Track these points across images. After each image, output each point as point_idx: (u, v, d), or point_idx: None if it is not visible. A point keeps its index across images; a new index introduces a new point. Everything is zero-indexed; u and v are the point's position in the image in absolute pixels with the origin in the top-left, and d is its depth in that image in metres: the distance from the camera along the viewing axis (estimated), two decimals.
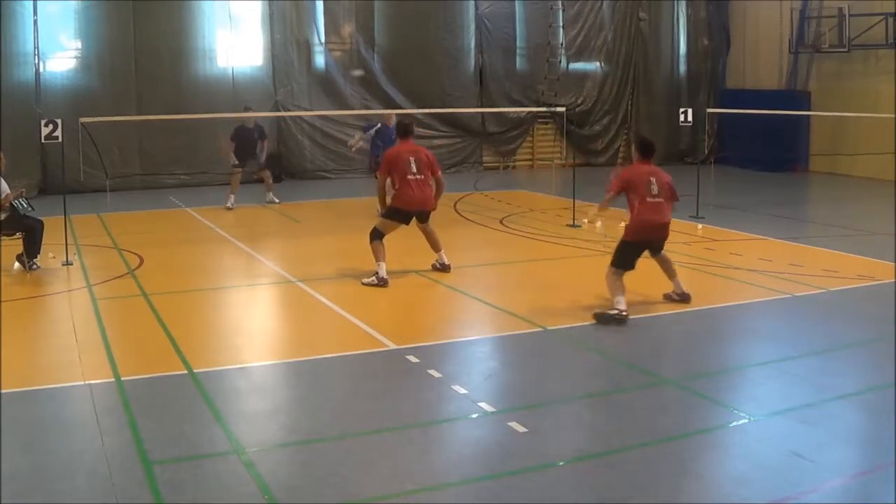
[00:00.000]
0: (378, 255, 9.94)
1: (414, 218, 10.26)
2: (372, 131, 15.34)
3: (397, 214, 10.14)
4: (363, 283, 9.86)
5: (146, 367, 7.10)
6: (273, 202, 16.24)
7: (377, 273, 9.88)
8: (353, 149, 16.57)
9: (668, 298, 9.16)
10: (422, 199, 10.12)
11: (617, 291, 8.44)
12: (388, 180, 10.14)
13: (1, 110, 16.63)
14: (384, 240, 10.06)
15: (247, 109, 16.44)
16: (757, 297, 9.43)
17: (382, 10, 20.83)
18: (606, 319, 8.25)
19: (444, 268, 10.48)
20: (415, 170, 10.02)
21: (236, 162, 15.64)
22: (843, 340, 7.96)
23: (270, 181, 16.43)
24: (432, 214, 10.47)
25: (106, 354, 7.42)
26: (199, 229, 13.92)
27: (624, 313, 8.29)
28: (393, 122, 15.34)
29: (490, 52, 21.93)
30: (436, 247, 10.50)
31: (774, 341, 8.03)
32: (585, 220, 12.91)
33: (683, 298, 9.05)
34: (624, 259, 8.73)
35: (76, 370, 7.02)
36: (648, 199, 8.73)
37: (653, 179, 8.79)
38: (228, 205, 15.58)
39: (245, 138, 15.67)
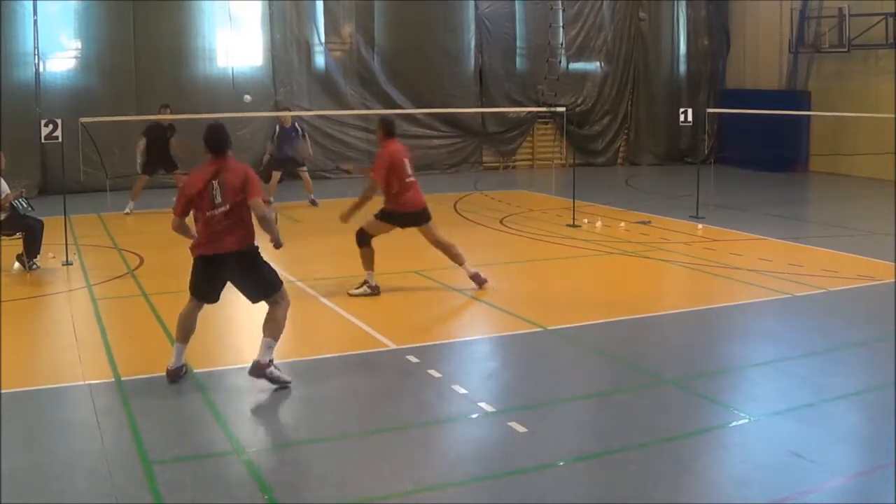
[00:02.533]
0: (368, 262, 9.56)
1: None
2: (275, 135, 15.95)
3: (393, 217, 9.60)
4: (351, 294, 9.45)
5: (146, 367, 7.10)
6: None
7: (367, 282, 9.55)
8: (266, 158, 16.48)
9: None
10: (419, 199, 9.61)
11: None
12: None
13: (1, 110, 16.62)
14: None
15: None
16: (757, 297, 9.43)
17: (382, 10, 20.82)
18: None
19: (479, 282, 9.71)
20: (410, 171, 9.51)
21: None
22: (843, 340, 7.96)
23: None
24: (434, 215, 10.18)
25: (106, 354, 7.43)
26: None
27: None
28: (289, 123, 15.89)
29: (490, 52, 21.93)
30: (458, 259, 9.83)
31: (774, 341, 8.03)
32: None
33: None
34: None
35: (76, 370, 7.02)
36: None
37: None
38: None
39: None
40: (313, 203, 16.20)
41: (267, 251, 6.91)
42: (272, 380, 6.62)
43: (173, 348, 6.84)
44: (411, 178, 9.51)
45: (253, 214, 6.65)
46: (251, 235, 6.69)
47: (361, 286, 9.53)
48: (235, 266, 6.68)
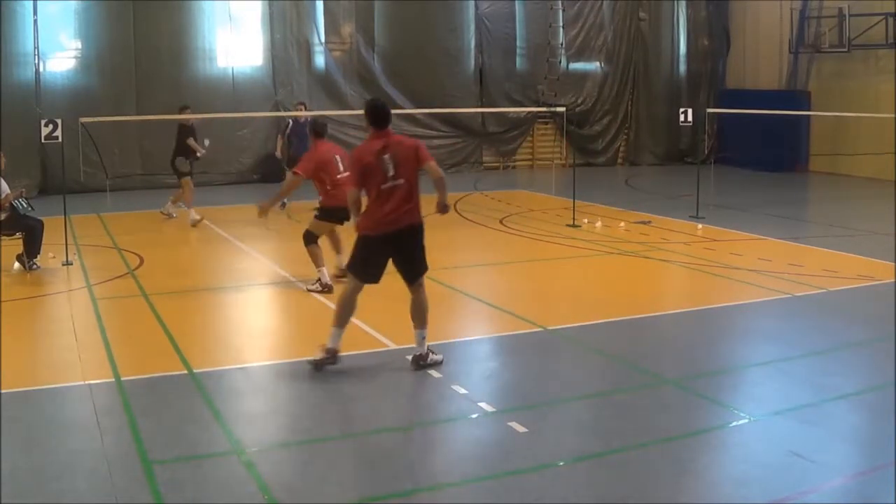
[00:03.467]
0: (317, 260, 9.69)
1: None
2: (288, 129, 15.61)
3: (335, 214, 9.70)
4: (308, 290, 9.60)
5: (146, 367, 7.10)
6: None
7: (319, 279, 9.64)
8: (280, 154, 16.19)
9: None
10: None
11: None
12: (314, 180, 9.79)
13: (1, 110, 16.63)
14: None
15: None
16: (757, 297, 9.42)
17: (382, 10, 20.83)
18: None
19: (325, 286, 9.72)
20: (342, 168, 9.59)
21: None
22: (843, 340, 7.96)
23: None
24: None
25: (106, 354, 7.42)
26: (199, 229, 13.91)
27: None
28: (304, 118, 15.56)
29: (490, 52, 21.94)
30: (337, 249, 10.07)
31: (774, 341, 8.03)
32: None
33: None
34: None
35: (76, 370, 7.02)
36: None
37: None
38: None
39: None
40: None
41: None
42: (432, 364, 6.96)
43: (331, 332, 6.87)
44: (343, 176, 9.46)
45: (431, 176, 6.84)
46: (419, 209, 6.86)
47: (315, 283, 9.67)
48: (409, 241, 6.83)
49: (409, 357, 7.05)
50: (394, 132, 6.95)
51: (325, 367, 6.86)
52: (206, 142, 14.66)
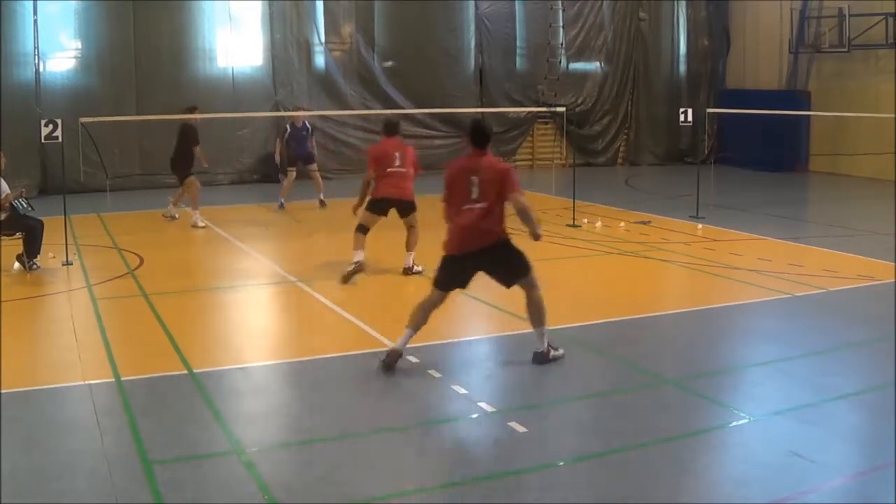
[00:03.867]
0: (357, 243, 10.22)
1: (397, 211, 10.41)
2: (286, 135, 15.75)
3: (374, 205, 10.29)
4: (344, 275, 10.01)
5: (146, 367, 7.10)
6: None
7: (356, 260, 10.11)
8: (279, 158, 16.19)
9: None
10: (398, 185, 10.23)
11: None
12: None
13: (1, 110, 16.63)
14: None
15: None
16: (757, 297, 9.43)
17: (382, 10, 20.83)
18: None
19: (406, 270, 10.42)
20: (398, 164, 10.20)
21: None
22: (843, 340, 7.96)
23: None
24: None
25: (106, 354, 7.43)
26: (199, 229, 13.91)
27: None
28: (301, 122, 15.76)
29: (490, 52, 21.93)
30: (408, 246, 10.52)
31: (774, 341, 8.03)
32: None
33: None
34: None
35: (76, 370, 7.02)
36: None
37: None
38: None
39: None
40: (322, 204, 16.02)
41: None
42: (553, 360, 7.15)
43: (405, 333, 7.00)
44: (391, 170, 10.18)
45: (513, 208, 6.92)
46: (502, 230, 6.99)
47: (351, 265, 10.11)
48: (486, 258, 7.00)
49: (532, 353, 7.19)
50: (491, 154, 7.09)
51: (393, 366, 6.94)
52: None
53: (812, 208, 17.82)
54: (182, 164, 14.31)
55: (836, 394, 6.54)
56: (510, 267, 7.10)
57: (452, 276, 7.10)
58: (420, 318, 7.08)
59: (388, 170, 10.15)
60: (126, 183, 17.72)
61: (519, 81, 22.39)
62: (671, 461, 5.42)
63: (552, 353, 7.17)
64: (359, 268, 10.08)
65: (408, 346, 7.32)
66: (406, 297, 9.78)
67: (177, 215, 14.69)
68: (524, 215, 6.84)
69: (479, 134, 7.05)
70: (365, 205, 10.27)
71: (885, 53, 19.67)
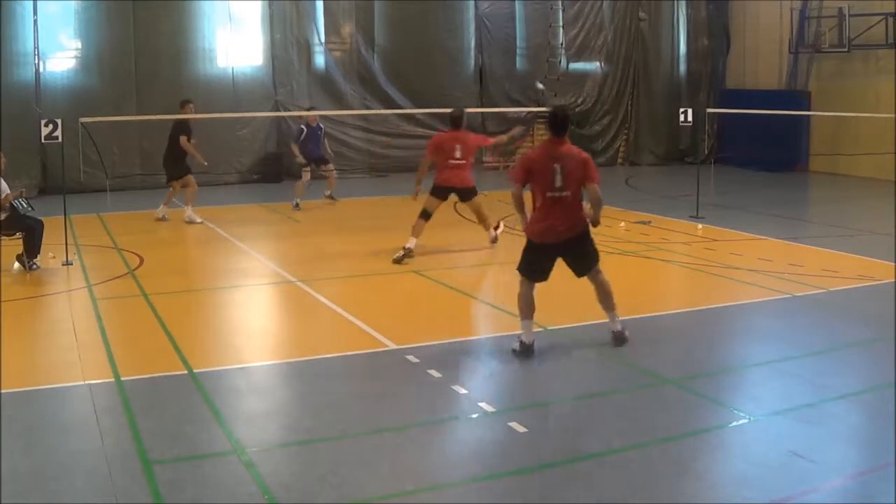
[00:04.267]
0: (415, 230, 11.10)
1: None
2: (303, 136, 15.73)
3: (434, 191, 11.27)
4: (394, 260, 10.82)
5: (146, 367, 7.10)
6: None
7: (408, 246, 10.97)
8: (298, 159, 16.12)
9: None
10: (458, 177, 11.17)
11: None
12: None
13: (1, 110, 16.63)
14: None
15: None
16: (757, 297, 9.42)
17: (382, 10, 20.83)
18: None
19: (493, 241, 11.65)
20: (458, 156, 11.09)
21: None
22: (843, 340, 7.96)
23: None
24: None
25: (106, 354, 7.43)
26: (199, 229, 13.91)
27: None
28: (315, 122, 15.84)
29: (490, 52, 21.93)
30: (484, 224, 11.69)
31: (774, 341, 8.03)
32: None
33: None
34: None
35: (76, 370, 7.02)
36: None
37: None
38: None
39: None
40: (331, 199, 16.32)
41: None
42: (625, 340, 7.51)
43: (521, 325, 7.42)
44: (452, 162, 11.13)
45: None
46: (582, 219, 7.28)
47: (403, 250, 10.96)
48: (568, 248, 7.34)
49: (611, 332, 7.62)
50: (570, 142, 7.26)
51: (531, 354, 7.31)
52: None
53: (812, 208, 17.81)
54: (171, 161, 14.22)
55: (836, 394, 6.54)
56: (587, 257, 7.43)
57: (535, 265, 7.41)
58: (527, 308, 7.40)
59: (449, 161, 11.08)
60: (126, 183, 17.72)
61: (519, 81, 22.38)
62: (671, 461, 5.42)
63: (626, 332, 7.52)
64: (408, 253, 10.84)
65: (406, 345, 7.33)
66: (406, 296, 9.80)
67: (166, 216, 14.56)
68: (598, 204, 7.26)
69: (557, 121, 7.16)
70: (429, 190, 11.23)
71: (885, 53, 19.66)
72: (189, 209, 14.19)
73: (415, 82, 20.79)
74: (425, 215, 11.10)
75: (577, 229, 7.24)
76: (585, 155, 7.30)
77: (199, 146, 14.41)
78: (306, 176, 15.99)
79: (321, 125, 16.22)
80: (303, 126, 16.00)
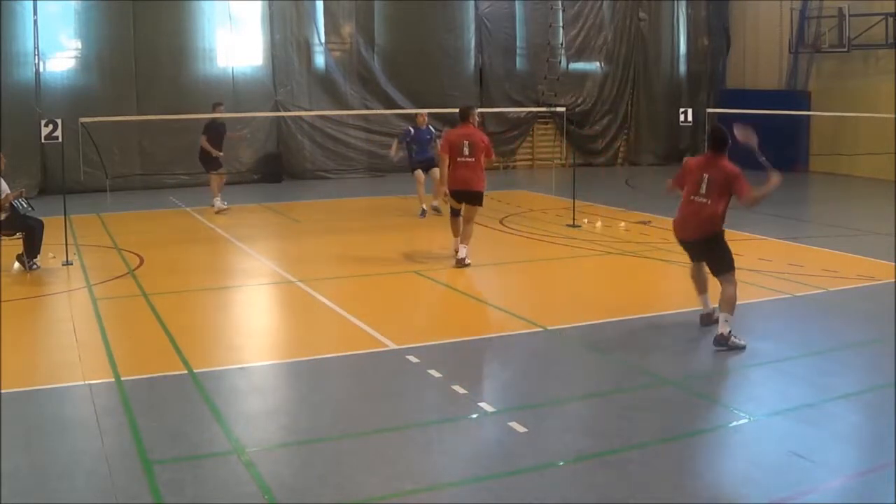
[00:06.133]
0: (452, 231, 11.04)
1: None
2: (408, 137, 14.74)
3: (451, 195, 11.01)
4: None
5: (146, 367, 7.10)
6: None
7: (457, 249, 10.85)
8: (395, 158, 15.20)
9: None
10: (465, 178, 10.77)
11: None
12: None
13: (1, 110, 16.64)
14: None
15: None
16: (757, 297, 9.42)
17: (382, 10, 20.83)
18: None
19: (458, 262, 10.77)
20: (466, 153, 10.67)
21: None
22: (843, 340, 7.96)
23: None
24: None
25: (106, 354, 7.42)
26: (199, 229, 13.92)
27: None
28: (425, 124, 14.87)
29: (490, 52, 21.94)
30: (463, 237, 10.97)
31: (774, 341, 8.03)
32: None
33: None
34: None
35: (76, 370, 7.02)
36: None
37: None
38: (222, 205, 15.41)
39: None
40: (436, 211, 14.10)
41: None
42: (732, 347, 7.53)
43: (699, 299, 8.23)
44: (461, 159, 10.71)
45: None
46: (719, 226, 7.93)
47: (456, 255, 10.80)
48: (700, 246, 8.02)
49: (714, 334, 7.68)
50: (726, 157, 8.04)
51: (711, 324, 7.97)
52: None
53: (812, 208, 17.80)
54: (203, 157, 15.25)
55: (836, 394, 6.54)
56: (717, 259, 7.92)
57: (686, 250, 8.20)
58: (700, 284, 8.21)
59: (458, 159, 10.73)
60: (126, 183, 17.71)
61: (519, 81, 22.38)
62: (671, 461, 5.42)
63: (732, 339, 7.51)
64: (461, 259, 10.73)
65: (406, 346, 7.33)
66: (406, 296, 9.80)
67: (224, 203, 15.28)
68: (758, 201, 8.03)
69: (716, 139, 8.15)
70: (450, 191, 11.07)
71: (885, 53, 19.66)
72: (217, 198, 15.14)
73: (415, 82, 20.78)
74: (455, 213, 11.03)
75: (704, 233, 7.88)
76: (735, 171, 7.95)
77: (206, 137, 14.94)
78: (421, 177, 14.48)
79: (433, 129, 14.99)
80: (409, 128, 15.04)
